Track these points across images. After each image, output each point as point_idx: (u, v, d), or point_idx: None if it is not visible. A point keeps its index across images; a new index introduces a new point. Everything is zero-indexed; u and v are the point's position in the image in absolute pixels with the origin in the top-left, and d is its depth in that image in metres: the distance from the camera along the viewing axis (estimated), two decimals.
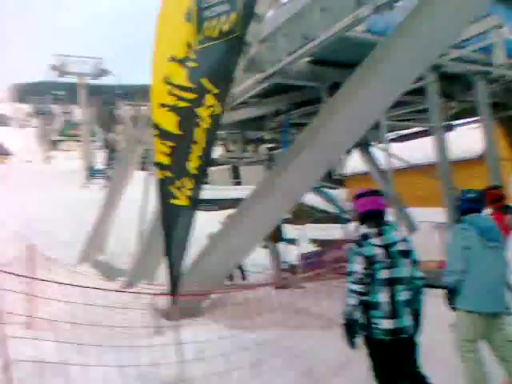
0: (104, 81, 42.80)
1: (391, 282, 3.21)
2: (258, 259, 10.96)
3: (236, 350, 4.21)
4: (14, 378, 3.25)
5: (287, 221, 18.45)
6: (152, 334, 4.98)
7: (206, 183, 4.31)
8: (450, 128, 13.21)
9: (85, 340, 3.84)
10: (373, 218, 3.35)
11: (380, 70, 5.22)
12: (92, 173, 31.52)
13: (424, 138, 13.96)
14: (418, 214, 12.47)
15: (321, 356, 4.54)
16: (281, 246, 11.11)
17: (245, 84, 9.22)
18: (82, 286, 4.00)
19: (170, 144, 4.11)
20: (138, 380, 3.83)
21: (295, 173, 5.52)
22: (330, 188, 24.30)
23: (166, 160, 4.10)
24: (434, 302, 3.96)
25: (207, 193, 21.38)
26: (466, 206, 4.13)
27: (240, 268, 10.60)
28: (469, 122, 13.48)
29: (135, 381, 3.81)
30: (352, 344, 3.29)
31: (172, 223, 4.05)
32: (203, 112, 4.18)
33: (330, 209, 16.52)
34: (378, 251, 3.23)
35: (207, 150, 4.23)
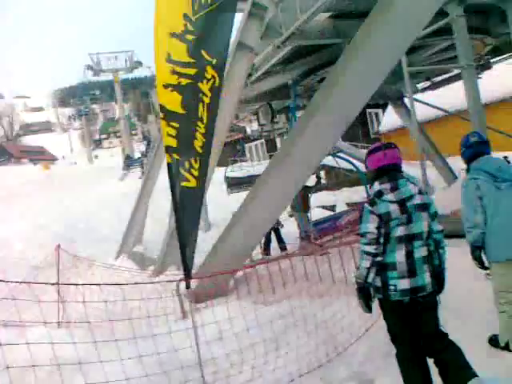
0: (138, 73, 43.40)
1: (408, 239, 3.01)
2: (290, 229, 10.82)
3: (258, 325, 4.15)
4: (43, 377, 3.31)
5: (324, 187, 18.20)
6: (180, 318, 5.01)
7: (207, 162, 4.17)
8: (487, 66, 12.38)
9: (118, 334, 3.86)
10: (386, 172, 3.11)
11: (392, 12, 4.78)
12: (129, 163, 32.20)
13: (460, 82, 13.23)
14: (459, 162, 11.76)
15: (343, 322, 4.42)
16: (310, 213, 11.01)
17: (265, 52, 8.95)
18: (97, 284, 4.01)
19: (176, 125, 3.99)
20: (160, 366, 3.83)
21: (311, 137, 5.24)
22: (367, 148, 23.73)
23: (173, 142, 3.98)
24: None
25: (244, 171, 21.41)
26: (470, 152, 3.91)
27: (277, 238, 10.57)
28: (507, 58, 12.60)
29: (159, 366, 3.81)
30: (367, 308, 3.11)
31: (184, 206, 3.97)
32: (205, 86, 4.08)
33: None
34: (393, 207, 3.01)
35: (211, 126, 4.12)
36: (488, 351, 3.81)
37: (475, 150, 3.88)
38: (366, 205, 3.11)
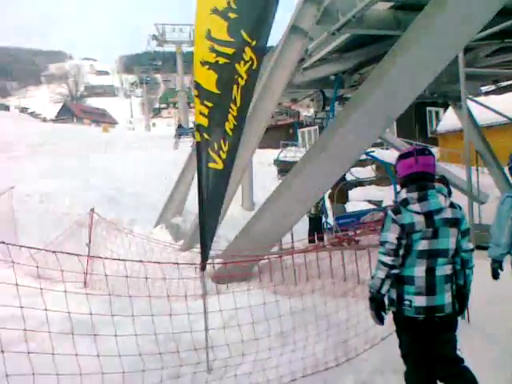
0: None
1: (431, 255, 2.80)
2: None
3: (271, 317, 4.05)
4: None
5: (373, 182, 17.71)
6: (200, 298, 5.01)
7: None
8: None
9: (135, 305, 3.90)
10: (415, 181, 2.88)
11: (449, 6, 4.39)
12: (181, 131, 32.43)
13: None
14: None
15: (358, 327, 4.24)
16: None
17: (321, 38, 8.66)
18: (121, 260, 4.03)
19: (209, 104, 3.90)
20: (167, 344, 3.86)
21: (348, 134, 5.00)
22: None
23: (204, 121, 3.90)
24: None
25: (295, 156, 21.14)
26: None
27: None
28: None
29: (165, 344, 3.83)
30: (379, 320, 2.94)
31: (208, 187, 3.90)
32: (242, 68, 3.95)
33: None
34: (418, 219, 2.80)
35: (244, 109, 4.00)
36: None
37: None
38: (390, 212, 2.91)
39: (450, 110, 18.56)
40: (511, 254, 3.76)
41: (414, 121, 25.20)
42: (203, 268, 3.93)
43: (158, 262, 4.13)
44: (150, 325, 3.74)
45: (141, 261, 4.21)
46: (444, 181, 2.96)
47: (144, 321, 3.85)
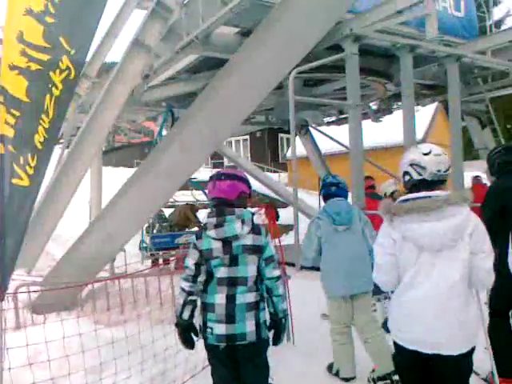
0: None
1: (230, 282, 2.73)
2: None
3: (85, 349, 3.70)
4: None
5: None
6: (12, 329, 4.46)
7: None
8: (388, 111, 13.02)
9: None
10: (216, 206, 2.84)
11: (274, 32, 4.61)
12: None
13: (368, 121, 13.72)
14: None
15: (178, 357, 3.98)
16: None
17: (168, 57, 8.60)
18: None
19: (17, 113, 3.48)
20: None
21: (175, 155, 4.93)
22: (274, 171, 24.21)
23: (10, 132, 3.46)
24: None
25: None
26: (325, 191, 4.25)
27: None
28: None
29: None
30: (187, 344, 2.85)
31: (13, 205, 3.47)
32: (57, 77, 3.62)
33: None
34: (217, 245, 2.74)
35: (57, 122, 3.65)
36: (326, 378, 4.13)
37: (326, 190, 4.22)
38: (193, 237, 2.84)
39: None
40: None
41: (267, 146, 26.52)
42: (1, 299, 3.45)
43: None
44: None
45: None
46: (272, 205, 3.00)
47: None
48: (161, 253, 9.85)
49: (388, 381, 3.77)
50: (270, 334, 2.91)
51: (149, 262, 9.95)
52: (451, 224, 2.39)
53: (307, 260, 4.19)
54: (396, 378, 3.58)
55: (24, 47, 3.60)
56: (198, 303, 2.86)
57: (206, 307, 2.77)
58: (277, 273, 2.83)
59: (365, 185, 7.35)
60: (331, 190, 4.18)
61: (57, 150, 9.49)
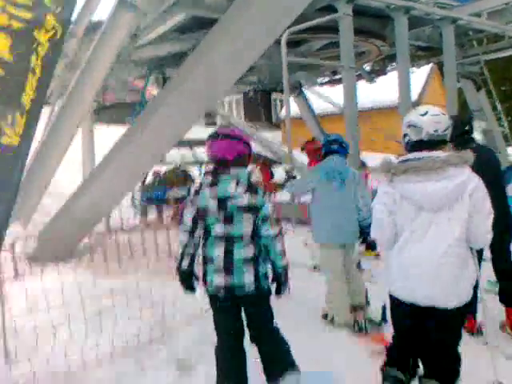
0: None
1: (227, 239, 2.84)
2: None
3: (82, 299, 3.88)
4: None
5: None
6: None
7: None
8: (382, 72, 12.88)
9: None
10: (215, 165, 2.88)
11: None
12: None
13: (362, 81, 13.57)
14: None
15: (176, 305, 4.22)
16: None
17: (155, 15, 8.38)
18: None
19: (1, 72, 3.48)
20: None
21: (165, 117, 4.92)
22: (268, 131, 24.09)
23: None
24: None
25: None
26: (326, 148, 4.47)
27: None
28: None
29: None
30: (188, 290, 3.04)
31: (3, 164, 3.50)
32: (42, 36, 3.57)
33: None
34: (212, 203, 2.83)
35: (45, 80, 3.63)
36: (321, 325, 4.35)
37: (327, 148, 4.47)
38: (192, 192, 2.92)
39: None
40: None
41: (260, 106, 26.23)
42: None
43: None
44: None
45: None
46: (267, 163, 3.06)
47: None
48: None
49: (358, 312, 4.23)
50: (273, 287, 3.00)
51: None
52: (451, 184, 2.44)
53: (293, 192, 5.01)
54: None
55: (4, 4, 3.54)
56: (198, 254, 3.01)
57: (206, 259, 2.91)
58: (273, 231, 2.87)
59: (312, 147, 7.04)
60: (333, 147, 4.40)
61: (46, 109, 9.46)
